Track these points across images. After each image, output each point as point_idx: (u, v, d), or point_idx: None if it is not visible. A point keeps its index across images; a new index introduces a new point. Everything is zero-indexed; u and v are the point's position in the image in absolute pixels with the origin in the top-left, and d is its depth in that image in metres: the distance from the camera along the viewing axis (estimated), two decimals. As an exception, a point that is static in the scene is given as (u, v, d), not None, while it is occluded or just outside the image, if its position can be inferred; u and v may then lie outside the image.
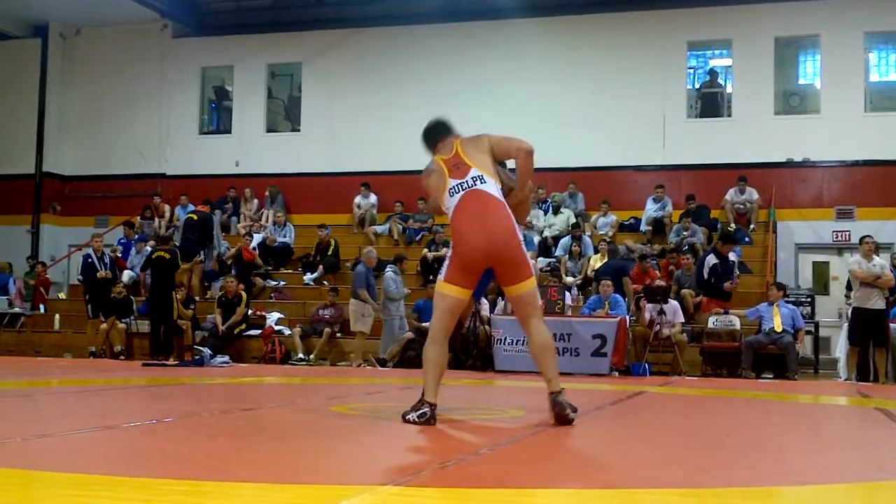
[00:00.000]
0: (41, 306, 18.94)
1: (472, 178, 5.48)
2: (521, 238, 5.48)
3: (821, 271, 18.16)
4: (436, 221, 18.48)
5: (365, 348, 15.36)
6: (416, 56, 20.77)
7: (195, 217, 17.10)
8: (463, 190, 5.48)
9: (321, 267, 18.30)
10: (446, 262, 5.50)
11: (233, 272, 17.43)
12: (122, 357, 15.70)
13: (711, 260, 14.71)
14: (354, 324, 15.02)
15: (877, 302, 13.03)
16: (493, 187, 5.46)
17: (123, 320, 16.38)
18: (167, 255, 15.10)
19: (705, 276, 14.68)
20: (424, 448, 4.68)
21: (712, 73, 20.47)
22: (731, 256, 14.87)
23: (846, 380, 13.20)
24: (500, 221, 5.40)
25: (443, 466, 3.95)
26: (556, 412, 5.43)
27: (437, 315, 5.54)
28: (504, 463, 4.27)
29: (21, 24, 22.38)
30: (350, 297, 15.19)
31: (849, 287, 14.09)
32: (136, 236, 19.00)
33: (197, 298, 16.84)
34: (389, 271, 15.39)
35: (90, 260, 16.46)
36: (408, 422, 5.30)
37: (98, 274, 16.28)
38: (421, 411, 5.33)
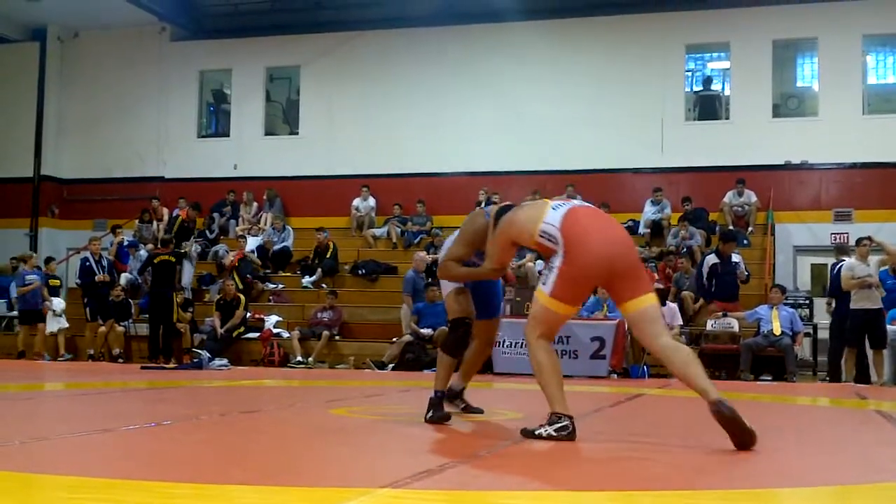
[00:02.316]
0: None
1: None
2: None
3: (819, 273, 18.14)
4: (434, 224, 18.52)
5: (362, 351, 15.38)
6: (414, 59, 20.78)
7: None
8: (570, 202, 5.12)
9: (320, 270, 18.30)
10: (554, 275, 4.90)
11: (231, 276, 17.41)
12: (120, 360, 15.71)
13: (712, 259, 14.68)
14: (405, 328, 15.09)
15: (875, 300, 13.03)
16: None
17: (122, 323, 16.38)
18: (168, 259, 15.10)
19: (704, 276, 14.66)
20: (423, 451, 4.69)
21: (709, 77, 20.49)
22: (735, 257, 14.82)
23: (844, 381, 13.20)
24: (620, 228, 5.05)
25: (441, 469, 3.95)
26: (728, 426, 4.65)
27: (542, 328, 5.02)
28: (502, 465, 4.28)
29: (19, 27, 22.38)
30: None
31: (833, 294, 14.06)
32: (127, 241, 18.90)
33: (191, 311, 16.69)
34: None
35: (88, 263, 16.46)
36: (543, 437, 4.85)
37: (96, 277, 16.29)
38: (560, 424, 4.86)
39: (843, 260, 13.88)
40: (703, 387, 4.78)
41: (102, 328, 16.06)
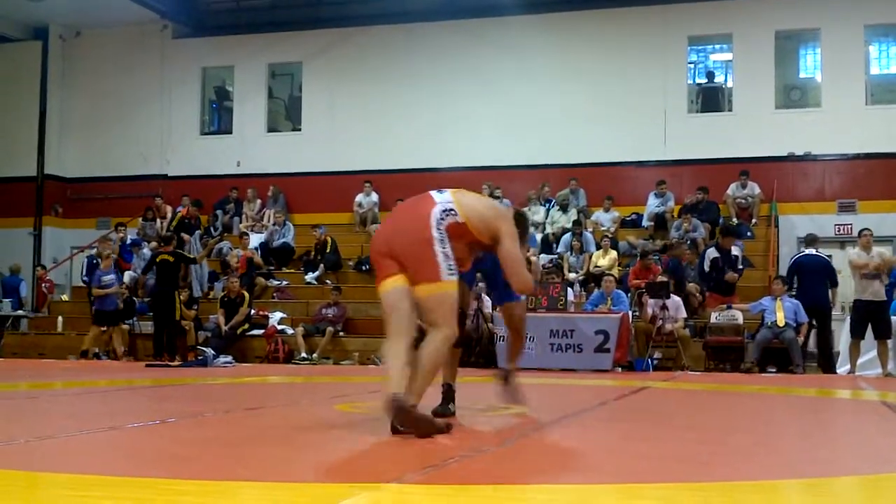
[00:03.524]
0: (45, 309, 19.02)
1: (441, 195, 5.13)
2: (441, 233, 4.91)
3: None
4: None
5: (367, 347, 15.39)
6: (416, 54, 20.77)
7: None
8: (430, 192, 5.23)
9: (322, 266, 18.30)
10: None
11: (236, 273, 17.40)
12: (125, 359, 15.71)
13: (712, 254, 14.75)
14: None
15: (878, 293, 13.09)
16: (443, 204, 5.04)
17: (126, 322, 16.39)
18: (170, 258, 15.11)
19: (706, 269, 14.74)
20: (428, 446, 4.68)
21: (712, 69, 20.47)
22: (734, 250, 14.87)
23: (849, 373, 13.22)
24: (414, 218, 5.01)
25: (448, 463, 3.95)
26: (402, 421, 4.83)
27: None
28: (508, 460, 4.28)
29: (21, 26, 22.40)
30: None
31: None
32: (130, 239, 18.85)
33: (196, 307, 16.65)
34: None
35: (95, 262, 16.43)
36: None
37: (99, 286, 16.22)
38: None
39: (805, 251, 14.34)
40: (400, 381, 4.83)
41: (105, 328, 16.01)
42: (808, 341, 13.85)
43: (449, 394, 5.95)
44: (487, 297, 14.54)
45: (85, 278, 16.87)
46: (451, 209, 5.03)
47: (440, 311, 4.94)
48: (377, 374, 11.96)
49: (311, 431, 4.96)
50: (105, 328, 15.80)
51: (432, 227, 4.90)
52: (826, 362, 13.76)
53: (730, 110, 19.75)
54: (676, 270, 15.39)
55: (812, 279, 13.91)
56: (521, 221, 5.47)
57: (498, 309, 6.14)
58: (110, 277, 15.86)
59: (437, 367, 5.11)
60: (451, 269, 4.92)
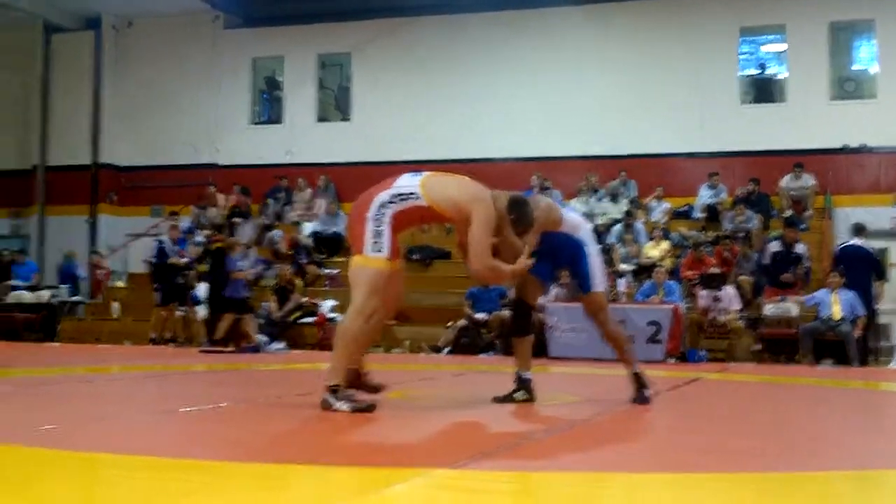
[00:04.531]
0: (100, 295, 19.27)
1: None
2: (379, 213, 5.29)
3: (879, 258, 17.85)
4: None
5: (417, 336, 15.41)
6: (464, 45, 20.71)
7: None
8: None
9: (373, 255, 18.29)
10: None
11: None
12: (180, 344, 15.83)
13: (775, 247, 14.47)
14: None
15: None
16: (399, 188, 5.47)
17: (181, 308, 16.55)
18: (223, 245, 15.22)
19: (767, 262, 14.46)
20: (478, 433, 4.69)
21: (764, 60, 20.21)
22: (799, 248, 14.47)
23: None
24: (364, 197, 5.45)
25: (496, 451, 3.96)
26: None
27: None
28: (557, 448, 4.27)
29: (74, 17, 22.65)
30: None
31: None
32: (184, 227, 18.91)
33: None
34: None
35: (164, 246, 16.56)
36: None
37: (169, 260, 16.35)
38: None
39: (850, 242, 14.02)
40: (332, 364, 5.19)
41: (167, 312, 16.13)
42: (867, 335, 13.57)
43: (520, 382, 5.96)
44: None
45: (153, 259, 16.81)
46: (411, 193, 5.36)
47: (356, 285, 5.23)
48: (428, 363, 12.00)
49: (362, 418, 4.98)
50: (238, 315, 15.42)
51: (371, 209, 5.29)
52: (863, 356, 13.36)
53: (783, 101, 19.49)
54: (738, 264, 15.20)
55: (854, 271, 13.53)
56: (514, 207, 5.41)
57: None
58: (244, 263, 15.87)
59: (349, 341, 5.21)
60: (376, 246, 5.18)
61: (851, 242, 14.07)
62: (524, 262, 5.30)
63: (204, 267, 16.49)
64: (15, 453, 3.68)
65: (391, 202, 5.33)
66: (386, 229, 5.23)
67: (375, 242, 5.17)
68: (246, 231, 16.88)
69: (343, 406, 5.02)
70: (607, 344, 6.21)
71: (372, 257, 5.20)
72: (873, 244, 14.79)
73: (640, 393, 5.96)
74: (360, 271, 5.24)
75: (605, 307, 6.10)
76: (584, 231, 6.01)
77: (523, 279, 5.87)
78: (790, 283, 14.30)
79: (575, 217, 6.26)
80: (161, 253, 16.49)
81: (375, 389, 5.73)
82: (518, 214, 5.39)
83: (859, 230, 14.26)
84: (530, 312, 6.07)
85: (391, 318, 6.09)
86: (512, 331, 6.31)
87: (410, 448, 4.27)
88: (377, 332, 5.99)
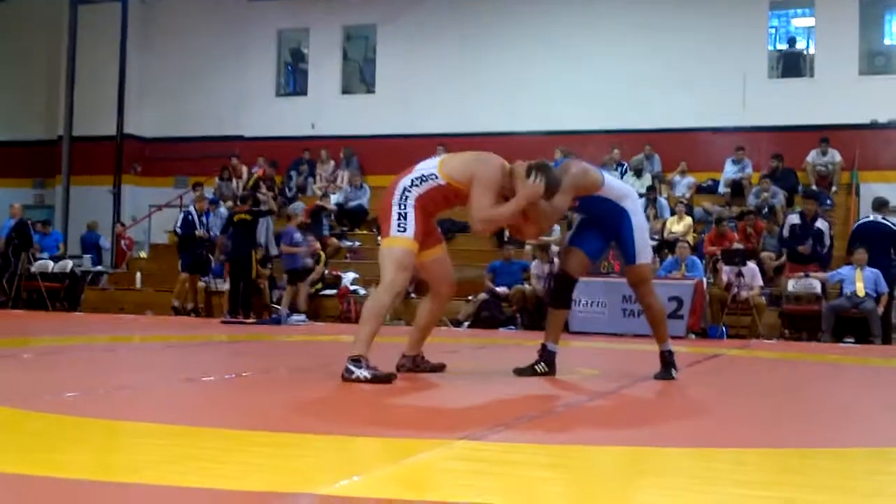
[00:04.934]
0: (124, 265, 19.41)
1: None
2: (402, 197, 5.45)
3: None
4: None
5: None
6: (491, 17, 20.62)
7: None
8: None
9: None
10: None
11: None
12: (201, 314, 15.94)
13: (793, 219, 14.30)
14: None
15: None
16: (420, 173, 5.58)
17: (203, 279, 16.64)
18: (248, 217, 15.26)
19: (785, 235, 14.32)
20: (498, 405, 4.70)
21: (794, 34, 20.01)
22: (819, 224, 14.19)
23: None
24: (395, 179, 5.59)
25: (517, 423, 3.96)
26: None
27: None
28: (578, 421, 4.27)
29: (101, -12, 22.74)
30: None
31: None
32: (208, 199, 18.94)
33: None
34: None
35: (191, 218, 16.62)
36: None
37: (196, 232, 16.44)
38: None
39: (870, 217, 13.92)
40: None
41: (190, 281, 16.23)
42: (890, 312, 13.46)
43: (544, 353, 5.96)
44: (557, 260, 14.49)
45: (179, 229, 16.88)
46: (431, 174, 5.50)
47: (384, 265, 5.40)
48: (448, 336, 12.02)
49: (382, 389, 5.00)
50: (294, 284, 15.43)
51: (395, 195, 5.46)
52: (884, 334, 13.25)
53: (811, 76, 19.31)
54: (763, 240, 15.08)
55: (872, 247, 13.31)
56: (535, 170, 5.37)
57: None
58: (300, 236, 15.87)
59: (375, 315, 5.35)
60: (400, 227, 5.38)
61: (871, 218, 13.91)
62: (524, 193, 5.31)
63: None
64: (38, 420, 3.72)
65: (413, 186, 5.48)
66: (410, 212, 5.41)
67: (399, 224, 5.36)
68: (298, 207, 16.95)
69: (363, 373, 5.07)
70: (646, 315, 6.19)
71: (396, 237, 5.40)
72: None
73: (667, 371, 5.95)
74: (386, 251, 5.44)
75: (647, 280, 6.09)
76: (629, 200, 5.95)
77: (568, 252, 5.93)
78: (807, 255, 14.02)
79: (621, 185, 6.23)
80: (186, 223, 16.59)
81: (438, 368, 5.98)
82: (541, 177, 5.36)
83: (881, 205, 14.09)
84: (572, 286, 6.07)
85: (450, 298, 6.29)
86: (551, 301, 6.32)
87: (431, 419, 4.28)
88: (439, 313, 6.37)
